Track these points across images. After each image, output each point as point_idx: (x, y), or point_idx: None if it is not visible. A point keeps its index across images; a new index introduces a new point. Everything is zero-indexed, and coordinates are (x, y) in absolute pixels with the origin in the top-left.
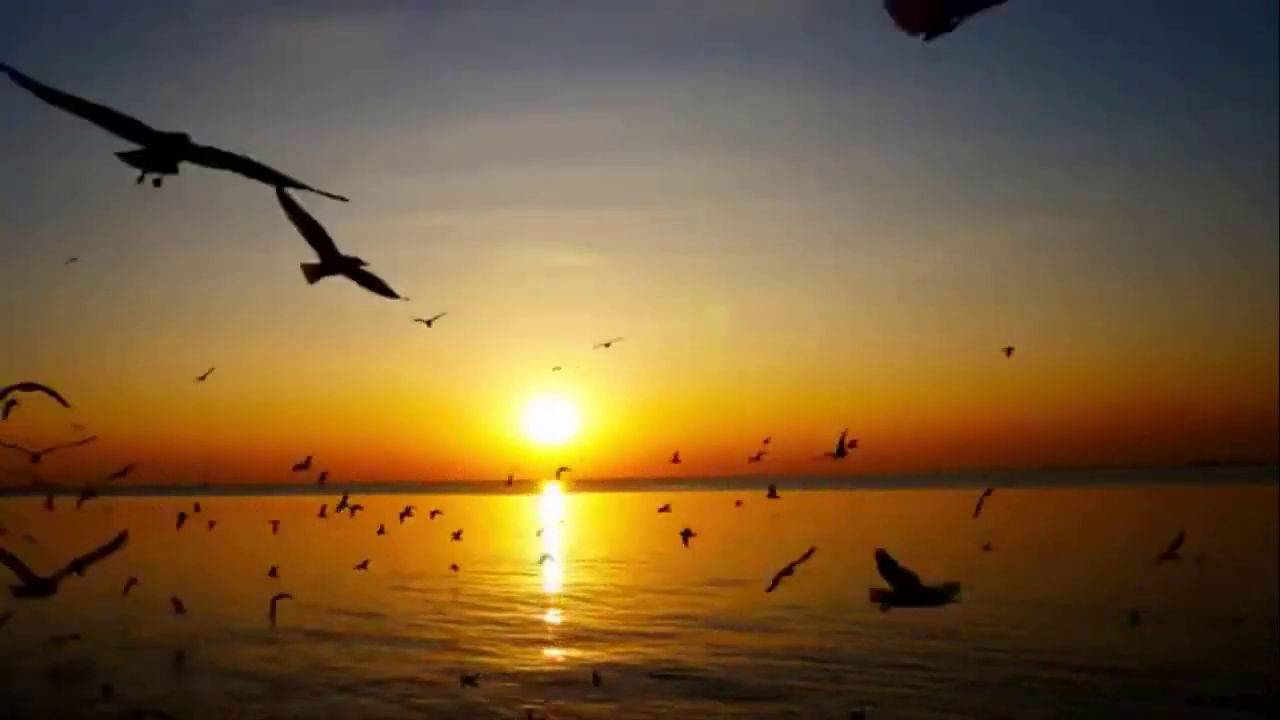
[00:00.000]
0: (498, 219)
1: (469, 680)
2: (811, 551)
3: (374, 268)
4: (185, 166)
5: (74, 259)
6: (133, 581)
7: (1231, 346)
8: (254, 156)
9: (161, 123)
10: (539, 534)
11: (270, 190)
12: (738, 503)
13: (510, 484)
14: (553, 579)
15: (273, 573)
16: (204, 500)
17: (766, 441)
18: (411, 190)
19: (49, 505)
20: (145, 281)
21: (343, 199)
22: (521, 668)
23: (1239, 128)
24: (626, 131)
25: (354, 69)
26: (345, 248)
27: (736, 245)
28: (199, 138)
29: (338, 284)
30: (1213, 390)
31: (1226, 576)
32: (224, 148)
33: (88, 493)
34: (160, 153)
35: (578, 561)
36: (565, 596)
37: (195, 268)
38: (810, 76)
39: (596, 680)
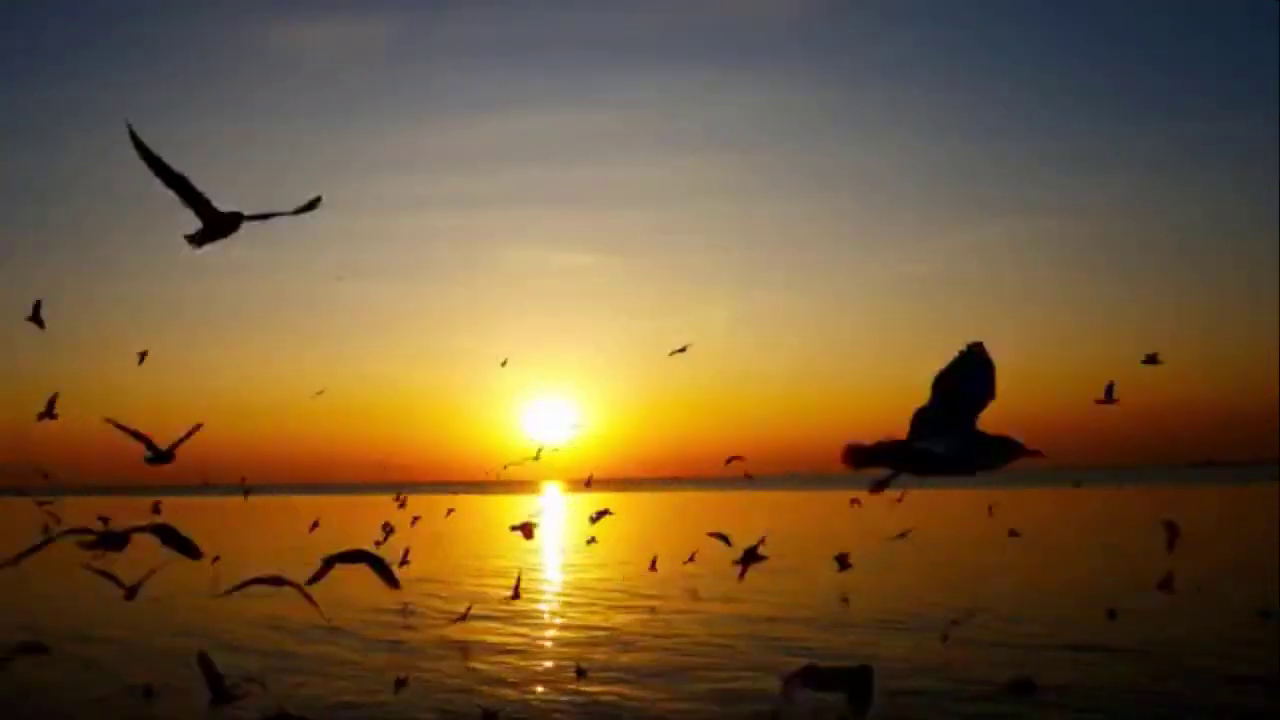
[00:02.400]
0: (498, 219)
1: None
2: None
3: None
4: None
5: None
6: None
7: (1231, 346)
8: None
9: (159, 121)
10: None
11: (270, 193)
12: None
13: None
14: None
15: None
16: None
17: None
18: (411, 190)
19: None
20: (144, 281)
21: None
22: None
23: (1239, 129)
24: (626, 131)
25: (353, 68)
26: (346, 246)
27: (736, 245)
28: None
29: (338, 284)
30: (1213, 390)
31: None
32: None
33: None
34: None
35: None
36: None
37: (196, 267)
38: (810, 76)
39: (580, 674)
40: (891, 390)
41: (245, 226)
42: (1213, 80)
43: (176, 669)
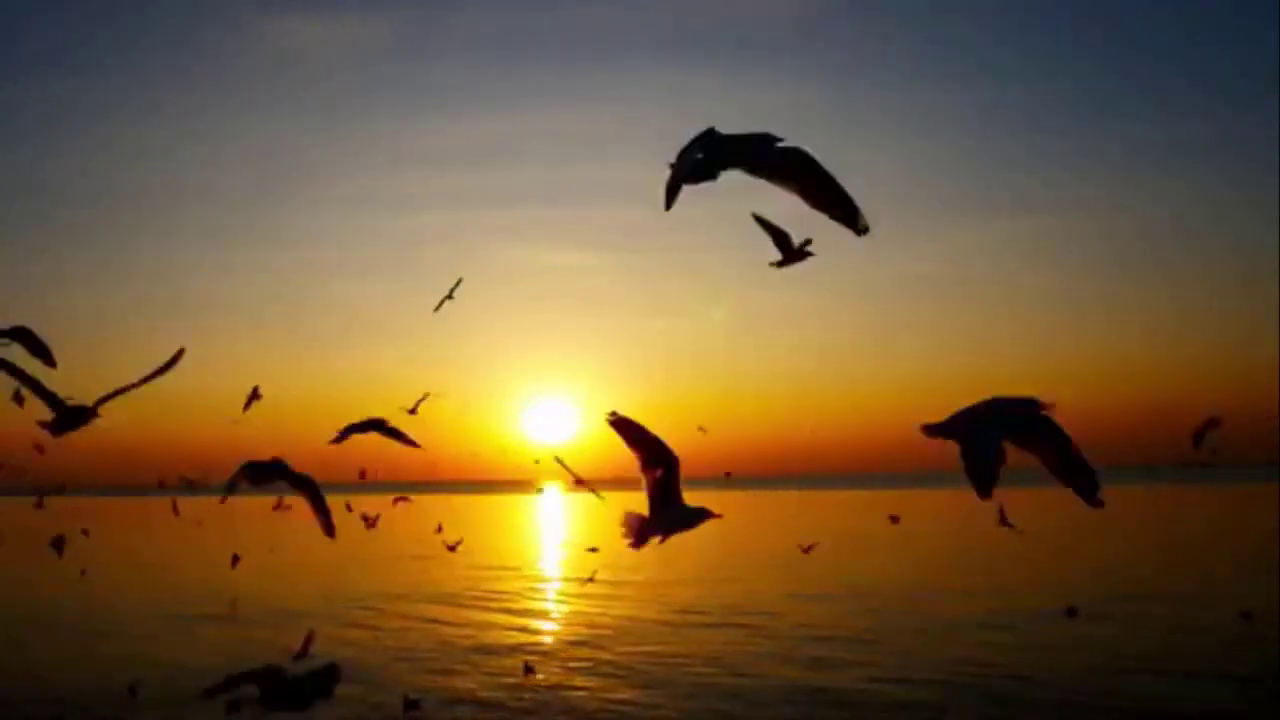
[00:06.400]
0: (498, 219)
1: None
2: None
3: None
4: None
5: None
6: None
7: (1231, 346)
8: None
9: (152, 118)
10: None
11: (266, 192)
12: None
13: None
14: None
15: None
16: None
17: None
18: (410, 189)
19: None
20: (140, 280)
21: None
22: None
23: (1239, 128)
24: (626, 130)
25: (352, 66)
26: (344, 246)
27: (736, 245)
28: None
29: (332, 283)
30: (1213, 390)
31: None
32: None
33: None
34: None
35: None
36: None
37: (192, 267)
38: (810, 75)
39: (528, 670)
40: (892, 389)
41: (238, 226)
42: (1214, 79)
43: (161, 669)
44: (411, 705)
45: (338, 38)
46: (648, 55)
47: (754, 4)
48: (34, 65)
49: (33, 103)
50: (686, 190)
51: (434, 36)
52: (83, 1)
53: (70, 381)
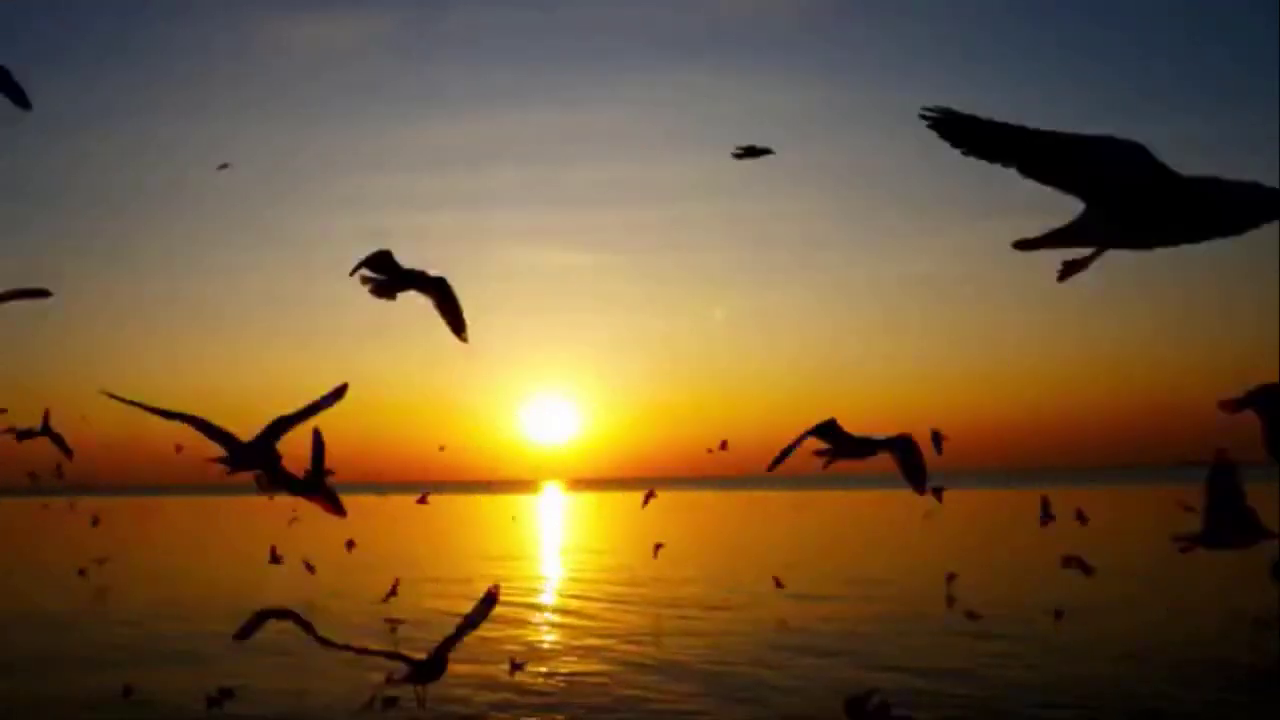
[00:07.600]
0: (498, 219)
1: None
2: None
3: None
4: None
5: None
6: None
7: (1233, 346)
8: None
9: (151, 119)
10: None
11: (266, 192)
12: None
13: (442, 449)
14: None
15: None
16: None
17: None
18: (409, 188)
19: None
20: (139, 280)
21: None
22: None
23: (1240, 126)
24: (626, 130)
25: (352, 66)
26: (343, 246)
27: (737, 245)
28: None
29: (329, 283)
30: (1212, 390)
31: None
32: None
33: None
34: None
35: None
36: None
37: (191, 267)
38: (812, 74)
39: (515, 667)
40: (892, 389)
41: (236, 225)
42: (1213, 77)
43: (155, 668)
44: (390, 704)
45: (337, 37)
46: (648, 55)
47: (754, 3)
48: (34, 65)
49: (32, 102)
50: (687, 190)
51: (435, 34)
52: (82, 1)
53: (66, 375)
